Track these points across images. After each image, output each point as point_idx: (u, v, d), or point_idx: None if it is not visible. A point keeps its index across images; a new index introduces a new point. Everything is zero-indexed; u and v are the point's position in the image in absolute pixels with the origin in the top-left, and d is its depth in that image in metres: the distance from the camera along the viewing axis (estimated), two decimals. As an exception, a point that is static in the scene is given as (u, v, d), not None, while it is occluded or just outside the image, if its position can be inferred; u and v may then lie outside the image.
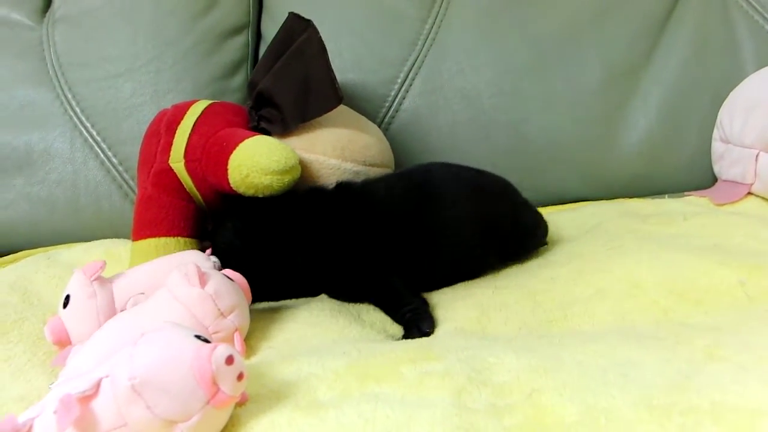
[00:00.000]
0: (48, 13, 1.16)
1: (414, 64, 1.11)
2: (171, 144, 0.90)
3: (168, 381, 0.48)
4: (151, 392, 0.48)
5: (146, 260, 0.83)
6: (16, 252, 1.05)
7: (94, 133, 1.09)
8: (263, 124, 0.91)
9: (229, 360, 0.50)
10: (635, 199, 1.07)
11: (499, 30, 1.12)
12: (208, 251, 0.82)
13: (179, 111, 0.93)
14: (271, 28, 1.15)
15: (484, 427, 0.50)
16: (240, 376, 0.51)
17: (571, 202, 1.09)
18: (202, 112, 0.92)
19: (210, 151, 0.87)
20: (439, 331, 0.71)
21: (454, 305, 0.76)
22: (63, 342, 0.71)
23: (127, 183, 1.08)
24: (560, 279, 0.78)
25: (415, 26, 1.12)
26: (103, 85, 1.10)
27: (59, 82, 1.11)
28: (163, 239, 0.88)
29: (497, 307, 0.73)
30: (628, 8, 1.13)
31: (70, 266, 0.91)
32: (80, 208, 1.09)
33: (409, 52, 1.11)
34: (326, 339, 0.71)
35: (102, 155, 1.09)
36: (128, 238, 0.98)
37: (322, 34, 0.89)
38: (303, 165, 0.87)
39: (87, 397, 0.49)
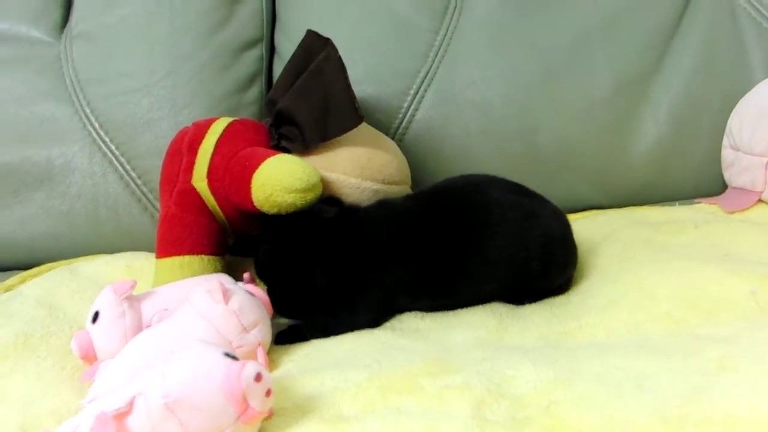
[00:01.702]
0: (66, 30, 1.18)
1: (426, 76, 1.12)
2: (193, 164, 0.92)
3: (200, 399, 0.50)
4: (183, 410, 0.50)
5: (170, 278, 0.85)
6: (38, 265, 1.06)
7: (113, 148, 1.11)
8: (283, 143, 0.92)
9: (258, 377, 0.52)
10: (646, 207, 1.08)
11: (510, 41, 1.13)
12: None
13: (200, 130, 0.94)
14: (284, 42, 1.17)
15: (505, 440, 0.51)
16: (268, 393, 0.53)
17: (581, 210, 1.11)
18: (223, 131, 0.93)
19: (233, 171, 0.88)
20: (458, 338, 0.72)
21: (474, 312, 0.78)
22: (90, 357, 0.73)
23: (146, 196, 1.10)
24: (574, 289, 0.80)
25: (427, 38, 1.13)
26: (121, 100, 1.12)
27: (78, 97, 1.13)
28: (186, 257, 0.89)
29: (515, 317, 0.75)
30: (637, 17, 1.13)
31: (94, 280, 0.93)
32: (100, 222, 1.11)
33: (421, 63, 1.12)
34: (343, 349, 0.73)
35: (121, 169, 1.10)
36: (147, 250, 1.00)
37: (335, 46, 0.91)
38: (324, 183, 0.88)
39: (121, 415, 0.51)
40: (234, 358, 0.55)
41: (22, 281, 0.98)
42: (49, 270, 1.00)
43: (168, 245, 0.91)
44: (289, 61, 0.97)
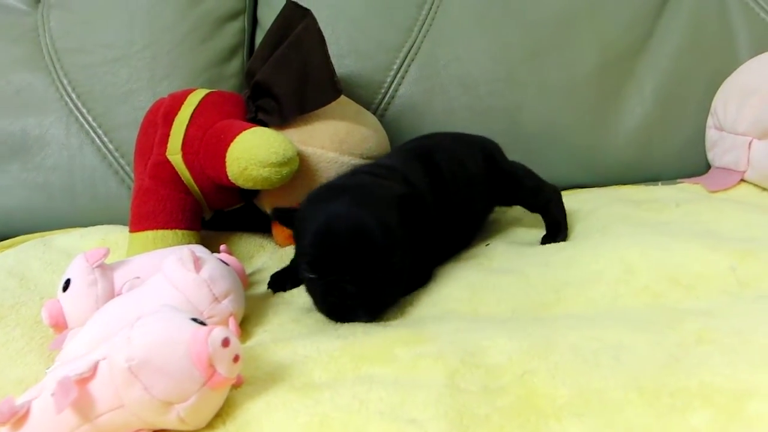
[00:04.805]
0: (43, -2, 1.16)
1: (410, 51, 1.11)
2: (168, 136, 0.90)
3: (165, 363, 0.49)
4: (148, 374, 0.49)
5: (144, 252, 0.83)
6: (12, 237, 1.04)
7: (90, 119, 1.09)
8: (261, 115, 0.90)
9: (225, 342, 0.50)
10: (629, 186, 1.08)
11: (495, 16, 1.12)
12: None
13: (176, 101, 0.93)
14: (267, 14, 1.15)
15: (477, 408, 0.50)
16: (236, 359, 0.51)
17: (565, 188, 1.08)
18: (200, 103, 0.92)
19: (208, 144, 0.87)
20: (431, 313, 0.71)
21: (447, 286, 0.76)
22: (60, 325, 0.71)
23: (123, 169, 1.08)
24: (553, 263, 0.79)
25: (411, 12, 1.12)
26: (99, 71, 1.10)
27: (55, 67, 1.11)
28: (160, 231, 0.88)
29: (490, 289, 0.73)
30: (624, -5, 1.13)
31: (67, 252, 0.92)
32: (76, 194, 1.09)
33: (405, 38, 1.11)
34: (319, 322, 0.72)
35: (98, 141, 1.09)
36: (124, 223, 0.98)
37: (318, 19, 0.89)
38: (301, 158, 0.87)
39: (84, 379, 0.50)
40: (202, 323, 0.53)
41: (-6, 253, 0.96)
42: (23, 242, 0.98)
43: (142, 219, 0.89)
44: (268, 32, 0.96)
